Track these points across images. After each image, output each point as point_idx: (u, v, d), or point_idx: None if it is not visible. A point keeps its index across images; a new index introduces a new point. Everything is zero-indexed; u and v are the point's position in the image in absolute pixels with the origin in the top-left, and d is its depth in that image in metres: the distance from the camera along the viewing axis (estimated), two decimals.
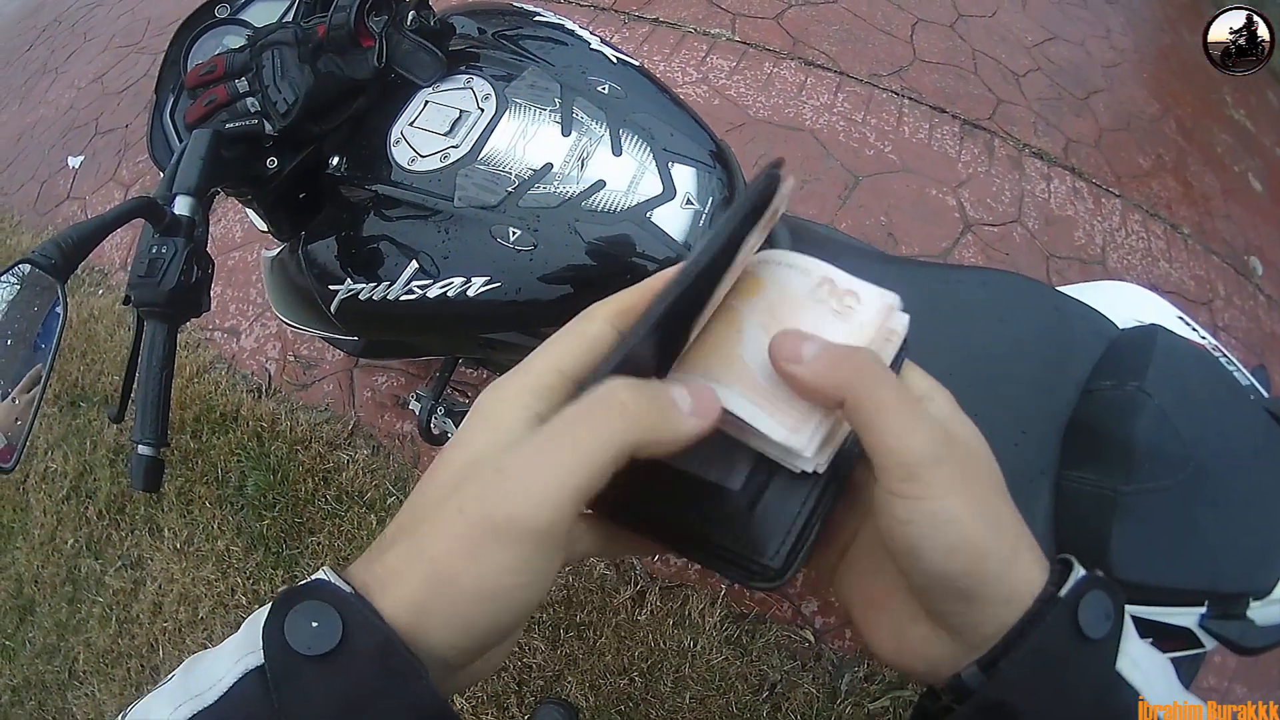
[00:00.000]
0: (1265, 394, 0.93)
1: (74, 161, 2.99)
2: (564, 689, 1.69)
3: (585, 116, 0.94)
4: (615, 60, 1.02)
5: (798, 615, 1.73)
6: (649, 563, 1.78)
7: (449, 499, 0.29)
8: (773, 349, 0.32)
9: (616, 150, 0.92)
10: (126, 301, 0.80)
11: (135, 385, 0.78)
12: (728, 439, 0.34)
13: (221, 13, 1.07)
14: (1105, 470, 0.82)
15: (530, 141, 0.92)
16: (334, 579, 0.29)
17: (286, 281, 1.21)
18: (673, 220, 0.91)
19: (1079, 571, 0.32)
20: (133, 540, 2.08)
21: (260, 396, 2.18)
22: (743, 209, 0.32)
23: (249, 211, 1.22)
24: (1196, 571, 0.79)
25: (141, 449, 0.75)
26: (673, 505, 0.35)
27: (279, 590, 0.31)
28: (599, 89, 0.97)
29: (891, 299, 0.35)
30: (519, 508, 0.27)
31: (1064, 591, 0.31)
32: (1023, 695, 0.31)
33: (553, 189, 0.90)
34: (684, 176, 0.93)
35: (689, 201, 0.92)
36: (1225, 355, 0.96)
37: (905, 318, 0.35)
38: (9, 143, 3.35)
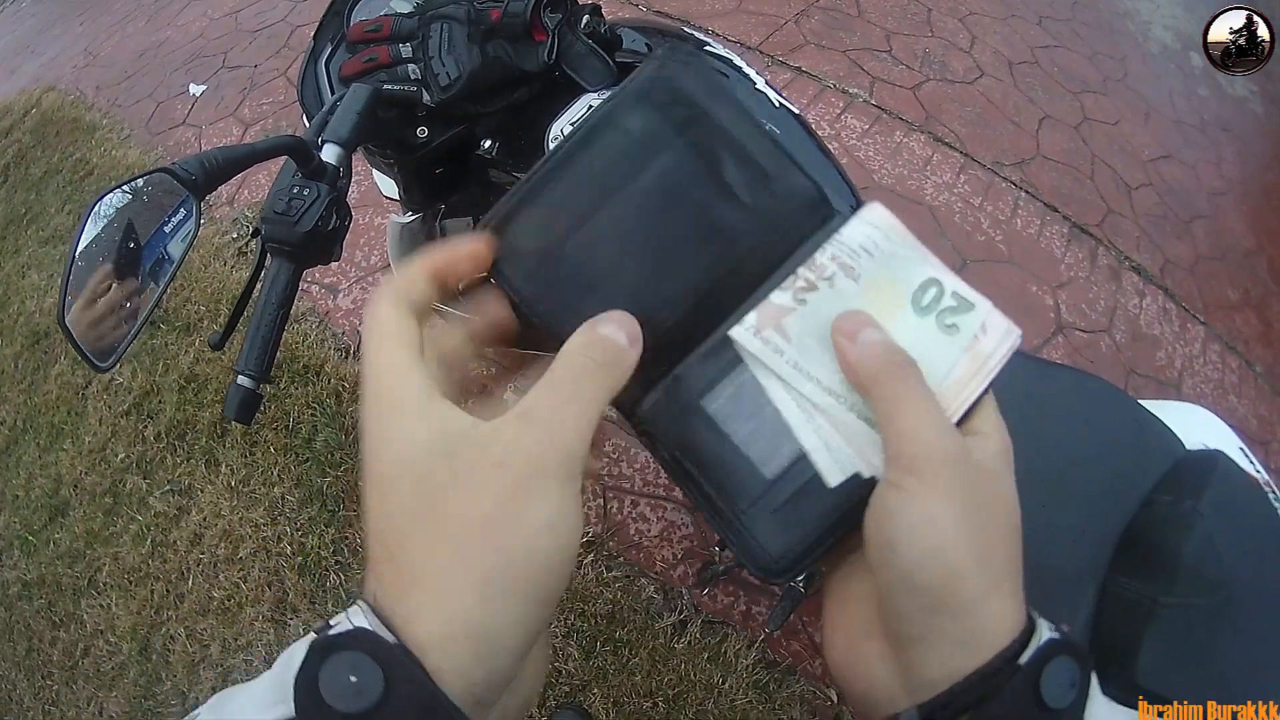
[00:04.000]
0: None
1: (196, 89, 3.03)
2: (588, 700, 1.69)
3: None
4: (777, 104, 1.03)
5: (827, 674, 1.73)
6: (696, 594, 1.79)
7: (474, 462, 0.29)
8: (838, 322, 0.33)
9: None
10: (255, 234, 0.79)
11: (249, 318, 0.78)
12: (782, 421, 0.34)
13: None
14: (1148, 580, 0.85)
15: None
16: (375, 625, 0.27)
17: (414, 250, 1.22)
18: None
19: (1044, 634, 0.30)
20: (187, 468, 2.10)
21: (347, 357, 2.20)
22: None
23: (376, 175, 1.23)
24: (1208, 692, 0.80)
25: (242, 379, 0.74)
26: (700, 454, 0.35)
27: (313, 632, 0.28)
28: None
29: (1015, 337, 0.35)
30: (570, 444, 0.29)
31: (1026, 658, 0.29)
32: None
33: None
34: None
35: None
36: (1275, 493, 0.99)
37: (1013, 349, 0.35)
38: (131, 56, 3.42)
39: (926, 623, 0.29)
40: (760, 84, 1.06)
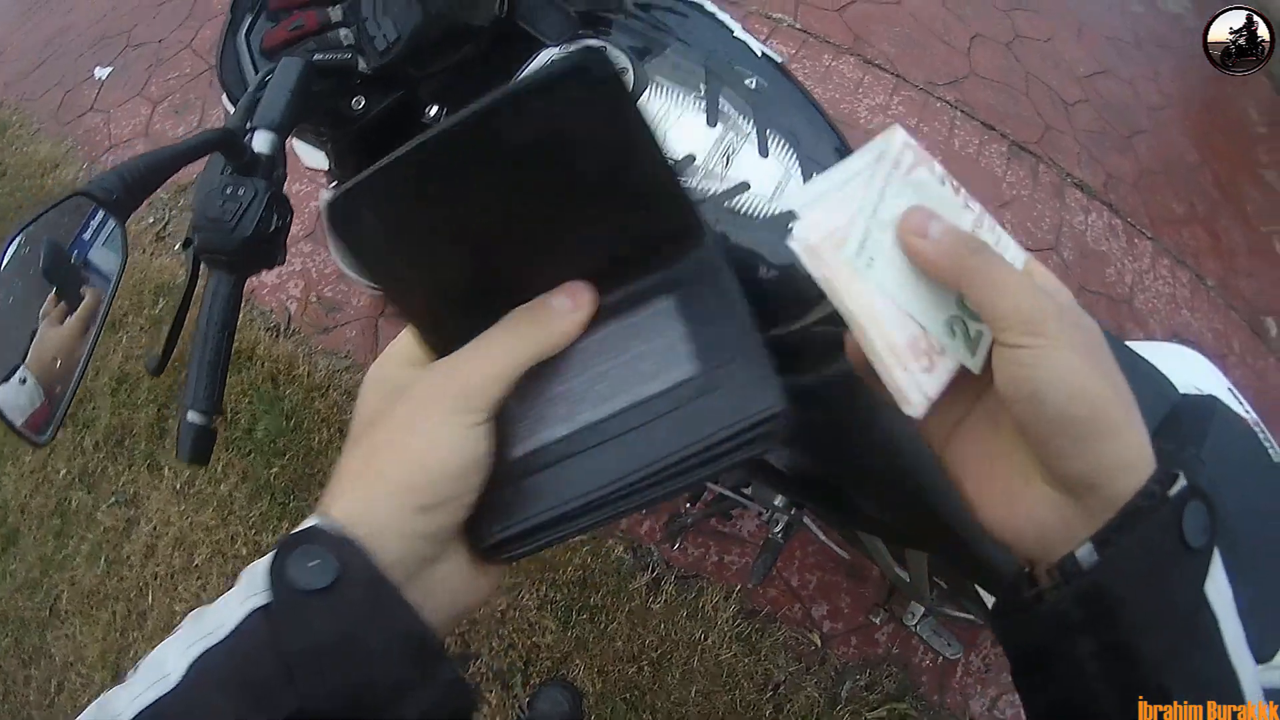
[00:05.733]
0: None
1: (101, 72, 2.89)
2: (572, 672, 1.67)
3: (732, 110, 0.87)
4: (759, 54, 0.94)
5: (807, 618, 1.74)
6: (666, 550, 1.77)
7: (393, 403, 0.36)
8: (903, 222, 0.35)
9: (763, 151, 0.85)
10: (186, 245, 0.69)
11: (191, 342, 0.69)
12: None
13: None
14: None
15: (672, 127, 0.85)
16: (327, 524, 0.33)
17: None
18: None
19: (1183, 480, 0.33)
20: (129, 476, 2.01)
21: (278, 336, 2.12)
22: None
23: (298, 144, 1.14)
24: None
25: (191, 415, 0.65)
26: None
27: (281, 536, 0.33)
28: (746, 82, 0.89)
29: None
30: (466, 383, 0.35)
31: (1173, 492, 0.32)
32: (1127, 587, 0.32)
33: (694, 183, 0.83)
34: None
35: None
36: (1264, 431, 1.01)
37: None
38: (37, 46, 3.24)
39: (1088, 450, 0.32)
40: (738, 31, 0.97)
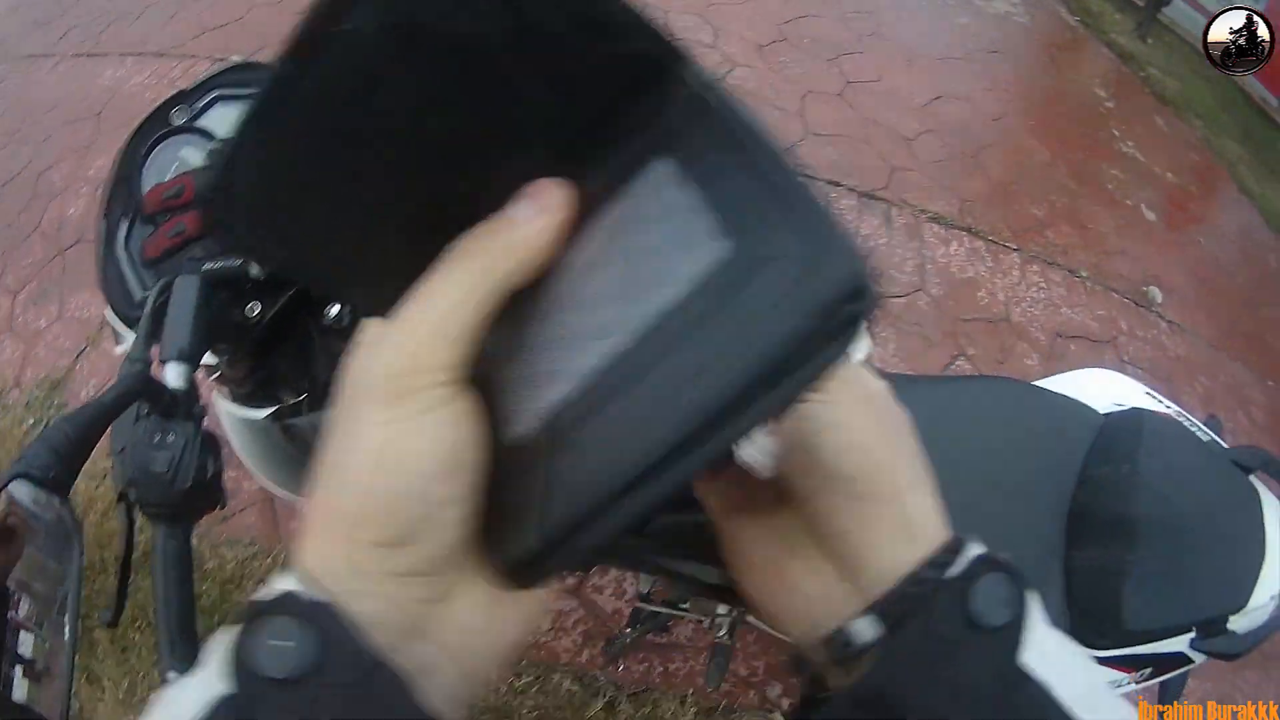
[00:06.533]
0: (1220, 440, 1.07)
1: None
2: None
3: None
4: None
5: (765, 701, 1.78)
6: (611, 672, 1.80)
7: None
8: None
9: None
10: (121, 498, 0.66)
11: (153, 604, 0.66)
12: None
13: (179, 119, 0.89)
14: (1110, 546, 0.93)
15: None
16: (303, 587, 0.25)
17: (273, 448, 1.05)
18: None
19: (971, 550, 0.29)
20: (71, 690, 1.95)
21: None
22: None
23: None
24: (1188, 608, 0.92)
25: (172, 676, 0.62)
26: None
27: (245, 603, 0.26)
28: None
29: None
30: (402, 349, 0.25)
31: (953, 573, 0.28)
32: (906, 687, 0.27)
33: None
34: None
35: None
36: (1188, 418, 1.09)
37: None
38: None
39: (861, 511, 0.29)
40: None
